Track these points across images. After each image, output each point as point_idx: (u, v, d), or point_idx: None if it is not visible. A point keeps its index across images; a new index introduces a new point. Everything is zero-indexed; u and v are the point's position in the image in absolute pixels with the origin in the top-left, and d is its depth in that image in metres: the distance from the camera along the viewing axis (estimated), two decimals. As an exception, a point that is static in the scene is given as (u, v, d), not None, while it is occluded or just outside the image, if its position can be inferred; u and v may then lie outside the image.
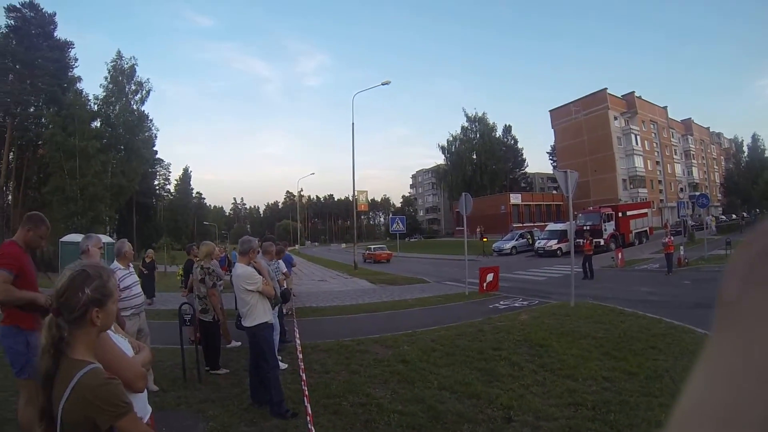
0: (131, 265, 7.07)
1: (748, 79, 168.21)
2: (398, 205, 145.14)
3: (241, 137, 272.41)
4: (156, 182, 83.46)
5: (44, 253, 25.77)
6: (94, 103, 53.50)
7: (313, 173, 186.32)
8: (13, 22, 48.02)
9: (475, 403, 6.05)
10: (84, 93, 51.53)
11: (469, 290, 17.16)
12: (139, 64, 59.80)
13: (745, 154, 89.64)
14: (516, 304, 14.36)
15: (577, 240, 21.29)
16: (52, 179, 45.08)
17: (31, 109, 49.35)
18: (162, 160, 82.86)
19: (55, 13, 51.43)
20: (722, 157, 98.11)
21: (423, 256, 45.69)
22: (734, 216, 66.11)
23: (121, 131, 54.97)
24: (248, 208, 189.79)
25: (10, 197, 49.12)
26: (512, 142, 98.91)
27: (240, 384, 7.01)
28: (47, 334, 1.82)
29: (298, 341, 8.40)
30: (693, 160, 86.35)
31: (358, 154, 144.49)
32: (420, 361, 8.01)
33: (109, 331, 2.14)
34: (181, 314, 7.60)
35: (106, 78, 56.66)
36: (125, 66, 57.85)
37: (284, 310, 9.87)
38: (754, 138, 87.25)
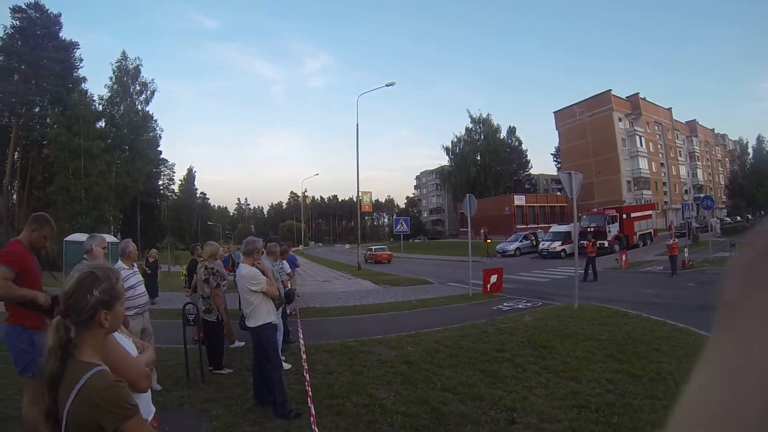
0: (135, 264, 7.08)
1: (753, 81, 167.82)
2: (402, 206, 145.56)
3: (245, 138, 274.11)
4: (160, 182, 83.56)
5: (49, 253, 25.82)
6: (99, 104, 53.78)
7: (317, 174, 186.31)
8: (18, 23, 48.19)
9: (478, 405, 6.05)
10: (89, 93, 51.87)
11: (473, 291, 17.13)
12: (144, 64, 60.03)
13: (750, 156, 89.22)
14: (520, 306, 14.33)
15: (581, 242, 21.25)
16: (56, 179, 45.22)
17: (36, 109, 49.47)
18: (166, 161, 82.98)
19: (60, 14, 51.65)
20: (727, 159, 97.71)
21: (427, 257, 45.67)
22: (739, 218, 65.88)
23: (126, 131, 55.13)
24: (252, 208, 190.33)
25: (15, 197, 49.29)
26: (516, 143, 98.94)
27: (243, 384, 7.01)
28: (54, 335, 1.82)
29: (301, 342, 8.39)
30: (698, 162, 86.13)
31: (362, 155, 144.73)
32: (423, 362, 8.01)
33: None
34: (184, 314, 7.61)
35: (110, 78, 56.93)
36: (130, 66, 58.07)
37: (288, 311, 9.88)
38: (759, 140, 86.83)
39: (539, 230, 47.64)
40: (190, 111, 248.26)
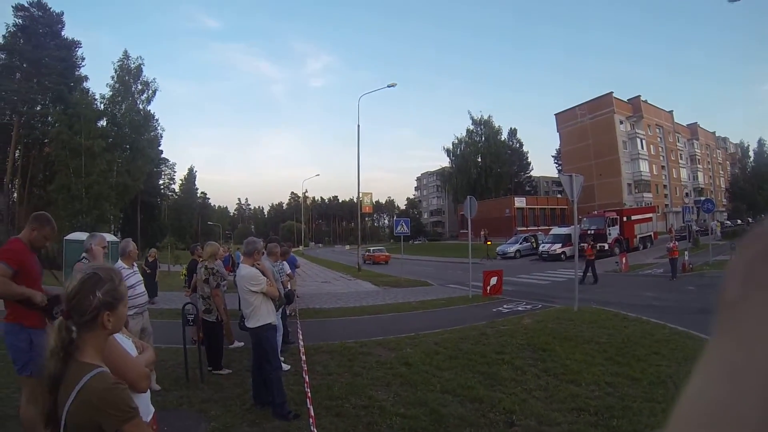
0: (135, 264, 7.09)
1: (755, 84, 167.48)
2: (403, 207, 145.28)
3: (246, 138, 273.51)
4: (161, 182, 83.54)
5: (49, 251, 25.81)
6: (101, 103, 53.82)
7: (317, 175, 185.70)
8: (21, 21, 48.27)
9: (477, 407, 6.04)
10: (90, 92, 51.93)
11: (473, 293, 17.13)
12: (146, 63, 60.12)
13: (751, 159, 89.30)
14: (519, 308, 14.33)
15: (581, 244, 21.24)
16: (57, 177, 45.24)
17: (38, 108, 49.57)
18: (167, 160, 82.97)
19: (63, 13, 51.75)
20: (728, 162, 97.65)
21: (427, 259, 45.72)
22: (740, 221, 65.87)
23: (127, 130, 55.16)
24: (252, 208, 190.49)
25: (15, 195, 49.31)
26: (517, 145, 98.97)
27: (242, 384, 7.01)
28: (57, 336, 1.81)
29: (301, 343, 8.38)
30: (698, 165, 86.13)
31: (363, 155, 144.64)
32: (423, 364, 8.00)
33: None
34: (184, 314, 7.61)
35: (112, 77, 56.98)
36: (132, 66, 58.14)
37: (288, 312, 9.88)
38: (760, 143, 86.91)
39: (539, 232, 47.78)
40: (191, 110, 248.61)
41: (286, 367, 7.41)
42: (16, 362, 4.59)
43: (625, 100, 75.59)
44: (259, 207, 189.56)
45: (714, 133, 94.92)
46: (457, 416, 5.75)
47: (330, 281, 27.37)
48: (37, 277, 4.73)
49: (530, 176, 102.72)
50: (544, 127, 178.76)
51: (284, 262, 9.71)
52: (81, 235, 20.09)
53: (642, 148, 73.15)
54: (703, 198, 48.84)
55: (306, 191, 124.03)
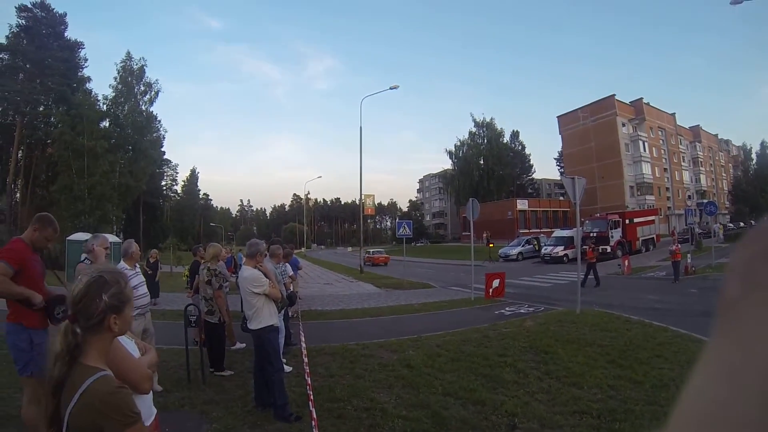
0: (137, 265, 7.10)
1: (757, 86, 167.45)
2: (405, 209, 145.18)
3: (248, 139, 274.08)
4: (163, 183, 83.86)
5: (51, 251, 25.86)
6: (103, 104, 53.95)
7: (320, 176, 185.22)
8: (24, 22, 48.41)
9: (479, 410, 6.03)
10: (93, 93, 52.03)
11: (475, 296, 17.10)
12: (149, 65, 60.36)
13: (754, 161, 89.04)
14: (522, 311, 14.31)
15: (584, 247, 21.22)
16: (60, 178, 45.36)
17: (41, 108, 49.70)
18: (169, 161, 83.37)
19: (66, 14, 51.91)
20: (730, 165, 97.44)
21: (429, 261, 45.67)
22: (742, 224, 65.73)
23: (130, 131, 55.31)
24: (255, 210, 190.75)
25: (18, 195, 49.39)
26: (520, 147, 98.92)
27: (244, 386, 7.01)
28: (63, 340, 1.80)
29: (303, 344, 8.38)
30: (701, 168, 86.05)
31: (365, 158, 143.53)
32: (425, 366, 7.99)
33: None
34: (186, 315, 7.61)
35: (115, 78, 57.24)
36: (134, 67, 58.36)
37: (290, 313, 9.87)
38: (763, 145, 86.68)
39: (542, 235, 47.64)
40: (194, 112, 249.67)
41: (288, 368, 7.39)
42: (17, 362, 4.59)
43: (628, 102, 75.55)
44: (261, 208, 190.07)
45: (716, 135, 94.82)
46: (459, 419, 5.74)
47: (332, 283, 27.34)
48: (38, 278, 4.73)
49: (532, 179, 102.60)
50: (547, 130, 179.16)
51: (287, 264, 9.71)
52: (83, 236, 20.12)
53: (644, 150, 73.08)
54: (705, 200, 48.88)
55: (308, 193, 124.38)
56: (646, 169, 72.55)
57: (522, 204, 72.91)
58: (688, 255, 24.37)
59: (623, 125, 72.73)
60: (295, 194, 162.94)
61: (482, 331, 10.97)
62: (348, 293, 21.27)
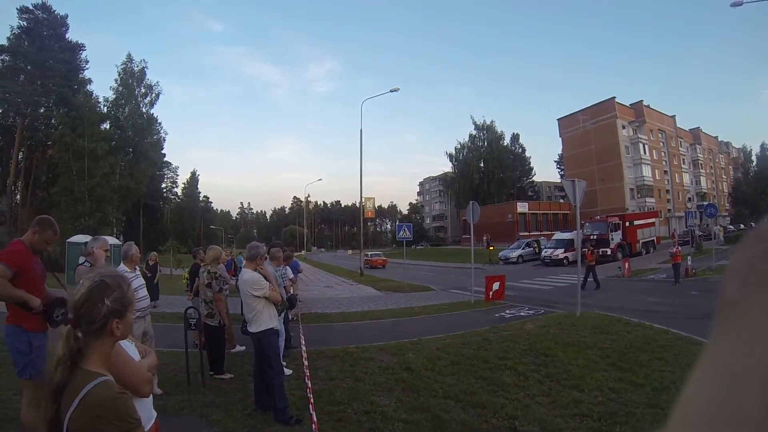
0: (137, 268, 7.10)
1: (757, 88, 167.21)
2: (405, 212, 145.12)
3: (249, 142, 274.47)
4: (163, 185, 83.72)
5: (51, 253, 25.87)
6: (104, 105, 53.98)
7: (320, 179, 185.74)
8: (25, 23, 48.44)
9: (480, 413, 6.03)
10: (94, 95, 52.03)
11: (475, 299, 17.09)
12: (149, 67, 60.33)
13: (754, 163, 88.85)
14: (522, 314, 14.29)
15: (583, 249, 21.22)
16: (60, 180, 45.39)
17: (42, 110, 49.72)
18: (170, 163, 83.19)
19: (67, 15, 51.90)
20: (731, 167, 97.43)
21: (429, 264, 45.67)
22: (742, 226, 65.57)
23: (130, 134, 55.33)
24: (255, 212, 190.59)
25: (18, 197, 49.39)
26: (520, 150, 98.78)
27: (244, 389, 6.99)
28: (65, 345, 1.79)
29: (303, 347, 8.37)
30: (701, 170, 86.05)
31: (365, 160, 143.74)
32: (425, 369, 7.98)
33: None
34: (186, 318, 7.60)
35: (116, 80, 57.23)
36: (135, 69, 58.33)
37: (290, 316, 9.86)
38: (763, 147, 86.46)
39: (542, 237, 47.69)
40: (194, 114, 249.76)
41: (288, 371, 7.38)
42: (16, 364, 4.59)
43: (628, 104, 75.57)
44: (261, 211, 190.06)
45: (716, 137, 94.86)
46: (459, 422, 5.73)
47: (332, 286, 27.35)
48: (38, 280, 4.73)
49: (533, 181, 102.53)
50: (547, 133, 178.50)
51: (287, 267, 9.70)
52: (83, 238, 20.12)
53: (644, 152, 73.08)
54: (705, 202, 48.87)
55: (309, 196, 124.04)
56: (647, 171, 72.54)
57: (522, 207, 72.87)
58: (689, 257, 24.38)
59: (623, 128, 72.73)
60: (295, 197, 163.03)
61: (482, 334, 10.95)
62: (348, 296, 21.26)
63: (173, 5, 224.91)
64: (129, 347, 2.35)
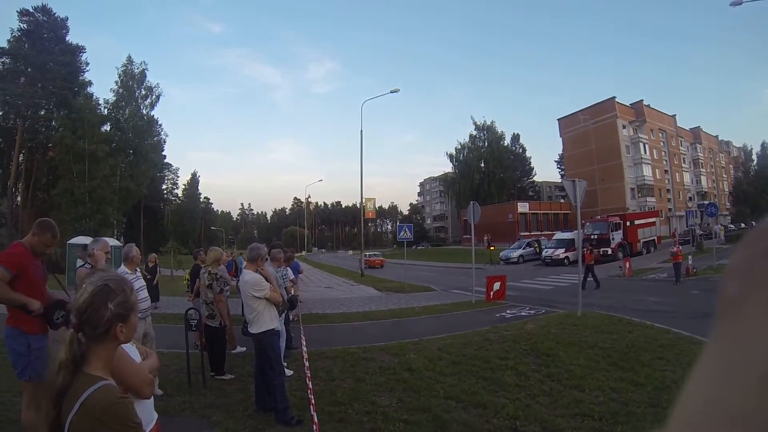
0: (138, 269, 7.10)
1: (757, 87, 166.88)
2: (406, 212, 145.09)
3: (249, 143, 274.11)
4: (164, 186, 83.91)
5: (51, 255, 25.90)
6: (104, 107, 54.00)
7: (321, 180, 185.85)
8: (25, 26, 48.44)
9: (481, 413, 6.02)
10: (94, 97, 52.06)
11: (476, 299, 17.08)
12: (150, 68, 60.44)
13: (755, 162, 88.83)
14: (523, 313, 14.29)
15: (583, 249, 21.23)
16: (61, 182, 45.38)
17: (42, 112, 49.74)
18: (170, 165, 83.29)
19: (68, 18, 51.79)
20: (731, 166, 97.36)
21: (430, 264, 45.65)
22: (743, 225, 65.51)
23: (131, 135, 55.25)
24: (255, 213, 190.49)
25: (19, 198, 49.40)
26: (520, 150, 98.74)
27: (245, 390, 6.99)
28: (68, 350, 1.78)
29: (304, 348, 8.38)
30: (702, 169, 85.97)
31: (366, 161, 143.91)
32: (426, 369, 7.98)
33: None
34: (187, 319, 7.60)
35: (116, 82, 57.17)
36: (136, 71, 58.29)
37: (291, 317, 9.86)
38: (764, 146, 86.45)
39: (543, 237, 47.66)
40: (195, 115, 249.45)
41: (289, 372, 7.39)
42: (16, 366, 4.60)
43: (628, 104, 75.56)
44: (262, 212, 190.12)
45: (717, 136, 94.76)
46: (460, 422, 5.73)
47: (333, 286, 27.33)
48: (39, 283, 4.72)
49: (533, 181, 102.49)
50: (547, 133, 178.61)
51: (288, 268, 9.71)
52: (84, 239, 20.12)
53: (645, 152, 73.04)
54: (706, 202, 48.85)
55: (309, 196, 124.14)
56: (647, 171, 72.51)
57: (523, 207, 72.83)
58: (689, 256, 24.37)
59: (624, 127, 72.71)
60: (295, 198, 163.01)
61: (483, 334, 10.95)
62: (349, 296, 21.27)
63: (173, 7, 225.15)
64: (130, 349, 2.35)
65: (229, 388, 7.23)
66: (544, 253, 38.78)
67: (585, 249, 21.80)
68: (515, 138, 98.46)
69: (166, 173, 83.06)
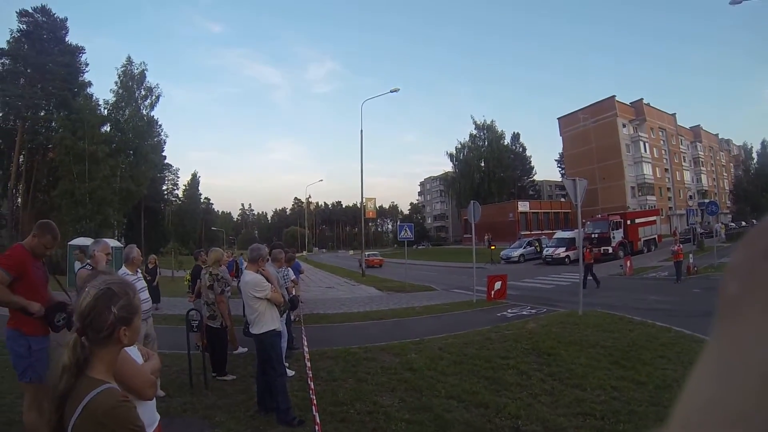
0: (139, 270, 7.10)
1: (757, 86, 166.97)
2: (406, 212, 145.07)
3: (249, 143, 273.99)
4: (164, 187, 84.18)
5: (52, 256, 25.90)
6: (104, 108, 54.11)
7: (321, 180, 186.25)
8: (25, 27, 48.53)
9: (482, 413, 6.02)
10: (94, 98, 52.16)
11: (477, 298, 17.09)
12: (149, 69, 60.54)
13: (755, 160, 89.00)
14: (524, 313, 14.29)
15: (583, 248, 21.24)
16: (61, 183, 45.48)
17: (42, 113, 49.86)
18: (170, 165, 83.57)
19: (67, 18, 51.99)
20: (731, 164, 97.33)
21: (431, 264, 45.66)
22: (744, 223, 65.67)
23: (131, 136, 55.36)
24: (256, 213, 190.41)
25: (19, 200, 49.47)
26: (520, 149, 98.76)
27: (247, 390, 6.99)
28: (71, 354, 1.78)
29: (305, 348, 8.38)
30: (702, 168, 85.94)
31: (366, 161, 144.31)
32: (427, 369, 7.98)
33: None
34: (188, 320, 7.61)
35: (116, 83, 57.36)
36: (135, 71, 58.45)
37: (292, 317, 9.86)
38: (764, 144, 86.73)
39: (543, 236, 47.65)
40: (195, 116, 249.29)
41: (290, 372, 7.39)
42: (16, 368, 4.61)
43: (628, 103, 75.48)
44: (262, 212, 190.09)
45: (717, 135, 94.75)
46: (462, 422, 5.73)
47: (334, 286, 27.34)
48: (40, 284, 4.72)
49: (533, 180, 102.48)
50: (547, 132, 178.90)
51: (289, 268, 9.70)
52: (85, 241, 20.14)
53: (645, 151, 73.00)
54: (706, 200, 48.82)
55: (309, 196, 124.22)
56: (647, 169, 72.46)
57: (523, 206, 72.83)
58: (690, 255, 24.34)
59: (624, 126, 72.68)
60: (296, 198, 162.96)
61: (484, 334, 10.95)
62: (350, 296, 21.28)
63: (173, 7, 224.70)
64: (132, 350, 2.35)
65: (231, 389, 7.23)
66: (544, 252, 38.76)
67: (584, 248, 21.83)
68: (515, 137, 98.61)
69: (167, 174, 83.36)
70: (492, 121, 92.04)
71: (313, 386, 6.36)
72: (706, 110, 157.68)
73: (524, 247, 43.71)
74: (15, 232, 41.33)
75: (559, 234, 40.78)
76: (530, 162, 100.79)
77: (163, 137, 65.64)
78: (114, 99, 56.41)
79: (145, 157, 56.77)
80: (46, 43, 49.40)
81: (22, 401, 4.86)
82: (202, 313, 7.90)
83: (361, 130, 34.45)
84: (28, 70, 48.14)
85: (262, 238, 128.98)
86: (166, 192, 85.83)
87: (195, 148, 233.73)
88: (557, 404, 6.22)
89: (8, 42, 47.63)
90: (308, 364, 7.31)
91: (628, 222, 38.65)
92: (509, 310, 14.74)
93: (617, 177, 70.57)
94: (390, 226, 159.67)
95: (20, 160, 48.77)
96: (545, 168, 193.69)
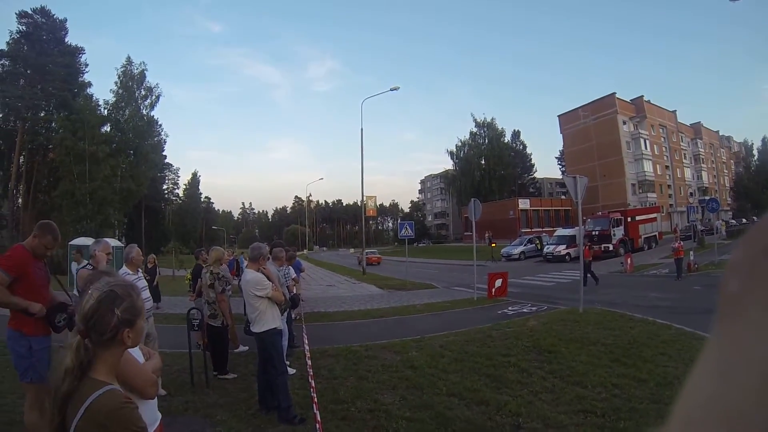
0: (140, 270, 7.11)
1: (758, 83, 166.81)
2: (407, 210, 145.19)
3: (250, 142, 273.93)
4: (165, 186, 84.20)
5: (53, 257, 25.92)
6: (104, 108, 54.10)
7: (321, 178, 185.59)
8: (24, 28, 48.57)
9: (483, 410, 6.03)
10: (94, 98, 52.19)
11: (478, 296, 17.09)
12: (149, 69, 60.53)
13: (755, 157, 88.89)
14: (525, 310, 14.29)
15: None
16: (61, 183, 45.50)
17: (42, 114, 49.91)
18: (171, 165, 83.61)
19: (66, 19, 52.08)
20: (732, 161, 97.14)
21: (431, 262, 45.63)
22: (744, 220, 65.61)
23: (131, 136, 55.35)
24: (257, 212, 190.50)
25: (20, 200, 49.52)
26: (521, 147, 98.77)
27: (248, 389, 7.01)
28: (74, 356, 1.77)
29: (306, 347, 8.39)
30: (702, 165, 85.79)
31: (366, 159, 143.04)
32: (428, 367, 7.99)
33: None
34: (189, 319, 7.61)
35: (116, 83, 57.32)
36: (135, 71, 58.41)
37: (293, 316, 9.87)
38: (765, 141, 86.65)
39: (544, 234, 47.56)
40: (195, 115, 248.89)
41: (291, 371, 7.39)
42: (17, 368, 4.62)
43: (628, 100, 75.37)
44: (263, 211, 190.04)
45: (718, 132, 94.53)
46: (463, 419, 5.74)
47: (335, 285, 27.35)
48: (41, 284, 4.72)
49: (534, 178, 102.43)
50: (548, 129, 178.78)
51: (289, 267, 9.71)
52: (85, 241, 20.14)
53: (645, 148, 72.93)
54: (707, 197, 48.71)
55: (310, 195, 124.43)
56: (648, 166, 72.40)
57: (524, 203, 72.82)
58: (691, 252, 24.31)
59: (624, 123, 72.62)
60: (296, 196, 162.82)
61: (485, 331, 10.96)
62: (351, 295, 21.28)
63: (173, 7, 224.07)
64: (134, 350, 2.35)
65: (232, 388, 7.24)
66: (545, 250, 38.77)
67: (584, 246, 21.82)
68: (516, 135, 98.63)
69: (167, 173, 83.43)
70: (492, 119, 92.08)
71: (314, 384, 6.36)
72: (707, 107, 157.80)
73: (525, 245, 43.73)
74: (16, 233, 41.39)
75: (560, 231, 40.80)
76: (531, 159, 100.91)
77: (163, 137, 65.86)
78: (114, 99, 56.46)
79: (145, 157, 56.79)
80: (45, 44, 49.45)
81: (24, 401, 4.87)
82: (203, 312, 7.91)
83: (362, 129, 34.42)
84: (28, 71, 48.19)
85: (262, 236, 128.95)
86: (166, 191, 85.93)
87: (195, 147, 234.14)
88: (558, 401, 6.23)
89: (8, 43, 47.75)
90: (309, 362, 7.32)
91: (629, 219, 38.60)
92: (510, 308, 14.74)
93: (618, 174, 70.54)
94: (390, 224, 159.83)
95: (21, 160, 48.86)
96: (546, 165, 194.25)
